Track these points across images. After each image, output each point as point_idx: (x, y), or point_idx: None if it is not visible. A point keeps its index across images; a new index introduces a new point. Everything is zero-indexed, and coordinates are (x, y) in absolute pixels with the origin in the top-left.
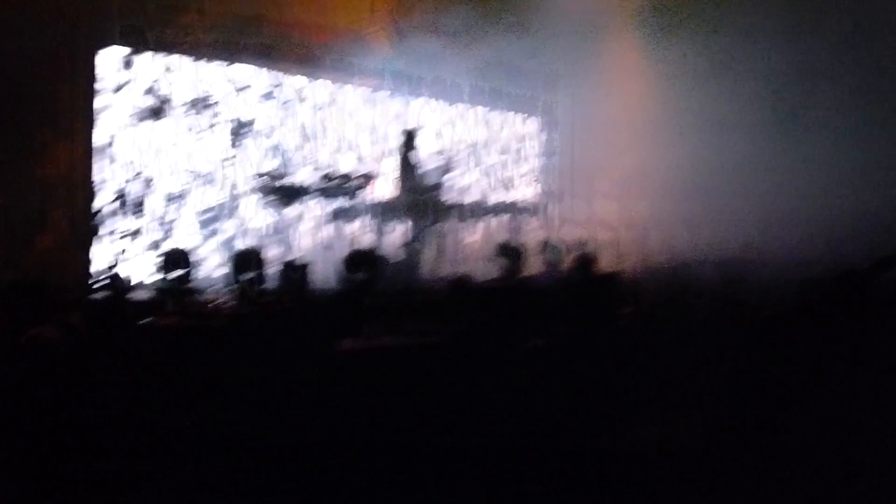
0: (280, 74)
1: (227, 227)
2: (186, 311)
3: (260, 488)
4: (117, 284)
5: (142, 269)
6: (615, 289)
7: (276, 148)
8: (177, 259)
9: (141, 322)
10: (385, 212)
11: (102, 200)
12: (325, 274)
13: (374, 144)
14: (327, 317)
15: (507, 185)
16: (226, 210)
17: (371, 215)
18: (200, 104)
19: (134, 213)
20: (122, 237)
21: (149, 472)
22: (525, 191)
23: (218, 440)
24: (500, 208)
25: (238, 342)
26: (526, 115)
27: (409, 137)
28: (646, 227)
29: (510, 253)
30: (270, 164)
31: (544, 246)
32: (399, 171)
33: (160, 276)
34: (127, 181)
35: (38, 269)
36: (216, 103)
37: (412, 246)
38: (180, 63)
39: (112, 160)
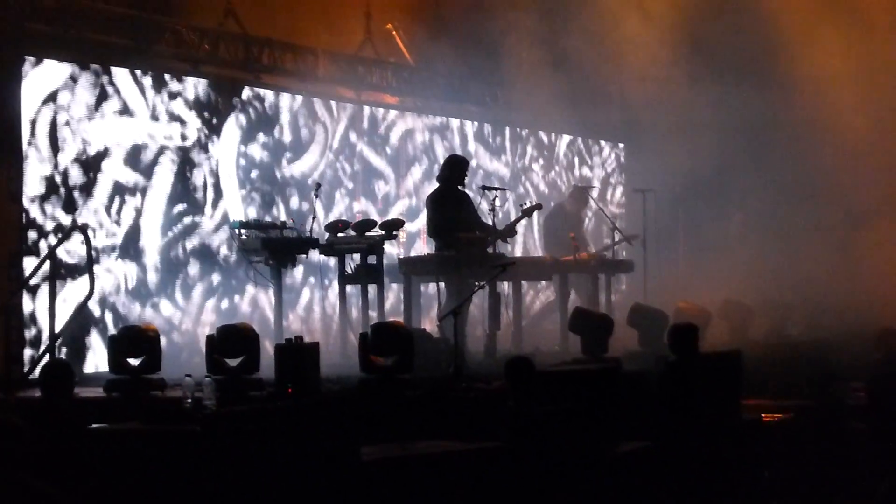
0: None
1: (204, 294)
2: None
3: None
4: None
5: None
6: (736, 373)
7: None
8: (137, 339)
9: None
10: (419, 270)
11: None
12: (340, 357)
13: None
14: (346, 415)
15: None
16: (201, 271)
17: (400, 276)
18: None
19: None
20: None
21: None
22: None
23: None
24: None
25: (223, 449)
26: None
27: (456, 168)
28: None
29: (588, 325)
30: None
31: (634, 314)
32: (438, 215)
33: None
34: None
35: None
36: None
37: (455, 317)
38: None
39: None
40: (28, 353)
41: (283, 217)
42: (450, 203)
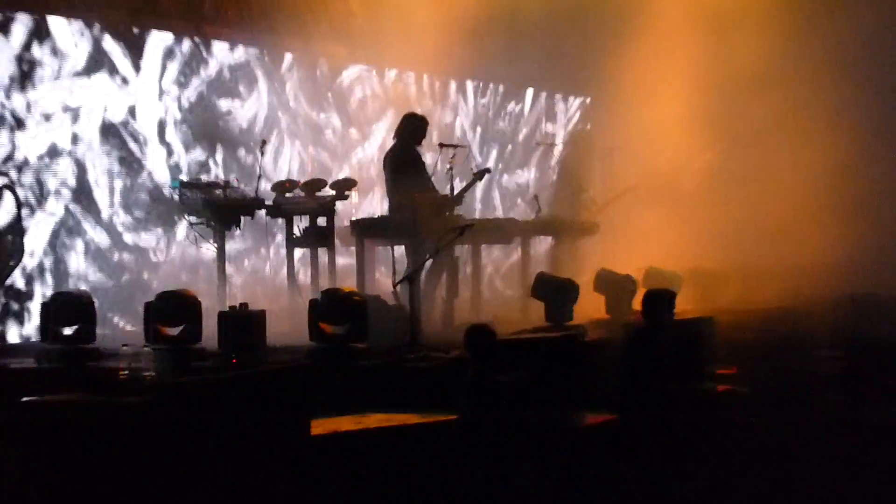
0: None
1: (142, 261)
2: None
3: None
4: None
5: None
6: (702, 341)
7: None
8: (71, 306)
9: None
10: (373, 234)
11: None
12: (288, 325)
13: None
14: (297, 385)
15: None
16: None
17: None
18: None
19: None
20: None
21: None
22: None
23: None
24: (534, 226)
25: (165, 424)
26: None
27: (417, 128)
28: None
29: (551, 291)
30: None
31: (600, 279)
32: (394, 176)
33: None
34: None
35: None
36: None
37: (411, 283)
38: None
39: None
40: None
41: (224, 174)
42: (408, 165)
